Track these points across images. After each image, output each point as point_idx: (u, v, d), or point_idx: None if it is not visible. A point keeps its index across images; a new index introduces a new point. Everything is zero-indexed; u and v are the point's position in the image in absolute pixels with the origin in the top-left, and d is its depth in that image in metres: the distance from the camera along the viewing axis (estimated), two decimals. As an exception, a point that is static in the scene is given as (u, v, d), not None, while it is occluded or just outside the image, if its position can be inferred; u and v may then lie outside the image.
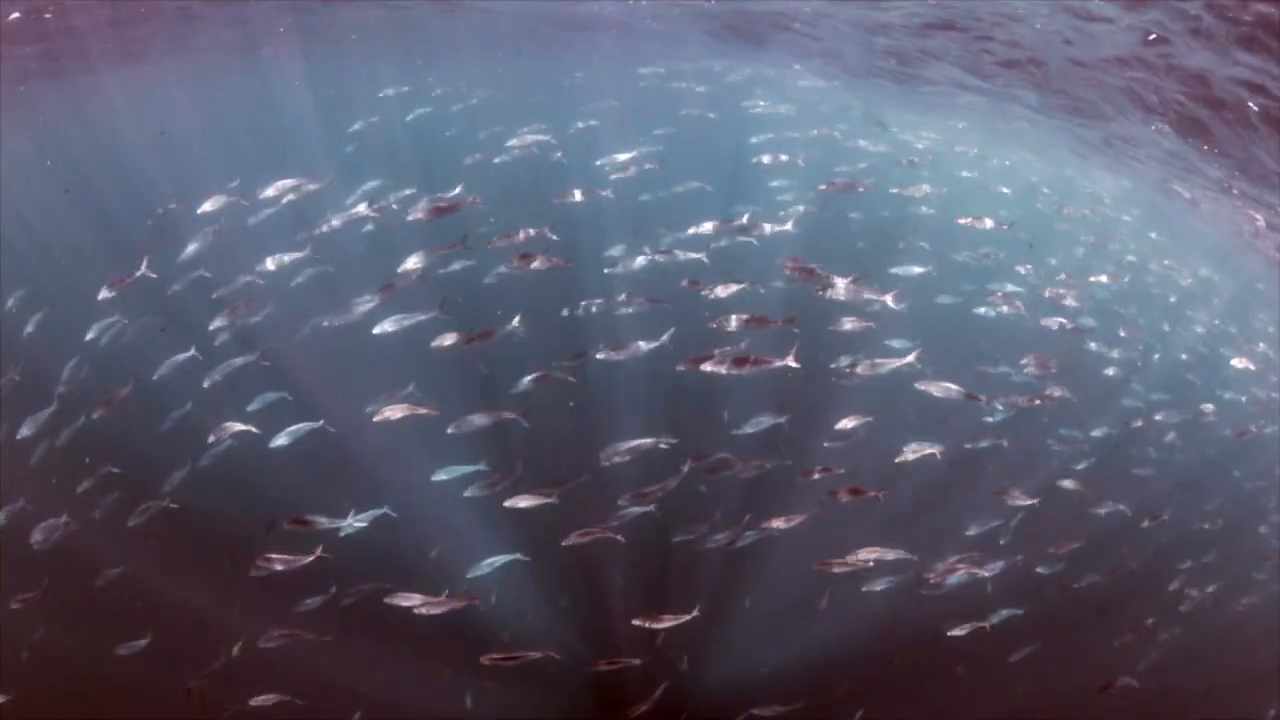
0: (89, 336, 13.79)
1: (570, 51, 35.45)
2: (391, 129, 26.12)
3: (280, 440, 11.55)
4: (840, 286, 11.19)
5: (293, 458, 12.09)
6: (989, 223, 16.52)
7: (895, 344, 19.22)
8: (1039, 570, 15.75)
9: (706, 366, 9.81)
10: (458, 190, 12.86)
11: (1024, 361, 16.67)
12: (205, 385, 12.61)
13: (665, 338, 10.83)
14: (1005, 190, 24.69)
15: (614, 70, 33.10)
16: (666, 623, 10.47)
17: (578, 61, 34.92)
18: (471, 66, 36.77)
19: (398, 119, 26.21)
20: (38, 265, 21.40)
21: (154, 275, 12.19)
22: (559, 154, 19.15)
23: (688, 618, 10.64)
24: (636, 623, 10.44)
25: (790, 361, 9.68)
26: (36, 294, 17.01)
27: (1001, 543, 15.81)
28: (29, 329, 15.98)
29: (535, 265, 11.88)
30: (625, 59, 32.77)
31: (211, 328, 13.33)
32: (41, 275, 19.82)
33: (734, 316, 11.02)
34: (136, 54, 26.40)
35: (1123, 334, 22.56)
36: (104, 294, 12.49)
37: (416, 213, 11.94)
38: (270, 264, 12.49)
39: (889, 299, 11.25)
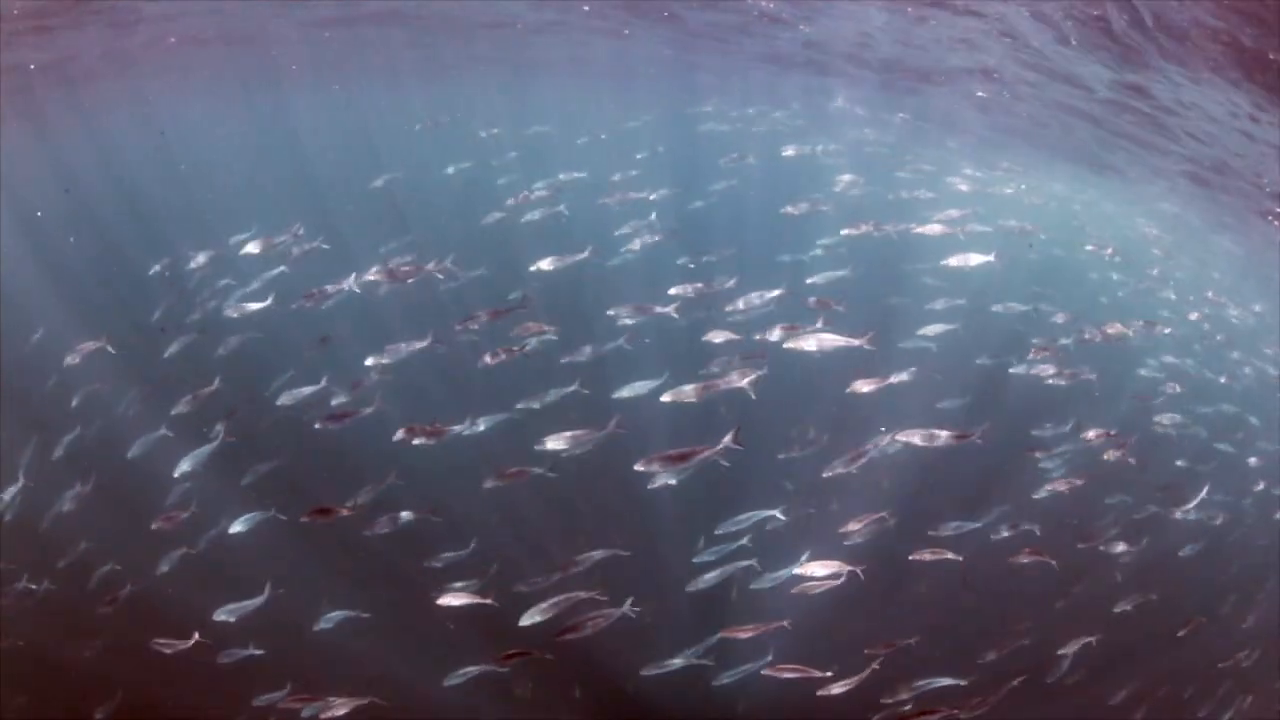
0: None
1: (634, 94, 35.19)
2: (428, 178, 25.94)
3: (237, 528, 11.37)
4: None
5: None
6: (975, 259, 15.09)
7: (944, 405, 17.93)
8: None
9: (648, 467, 9.16)
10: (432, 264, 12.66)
11: (1099, 444, 15.05)
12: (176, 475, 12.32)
13: (611, 425, 10.25)
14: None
15: (675, 113, 32.59)
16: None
17: (644, 104, 34.36)
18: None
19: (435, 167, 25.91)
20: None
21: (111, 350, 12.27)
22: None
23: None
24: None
25: (730, 443, 8.91)
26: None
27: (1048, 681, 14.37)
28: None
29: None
30: (685, 100, 32.26)
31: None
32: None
33: (690, 387, 10.18)
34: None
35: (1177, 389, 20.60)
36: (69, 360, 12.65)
37: (376, 274, 11.84)
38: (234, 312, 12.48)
39: (864, 342, 10.31)
